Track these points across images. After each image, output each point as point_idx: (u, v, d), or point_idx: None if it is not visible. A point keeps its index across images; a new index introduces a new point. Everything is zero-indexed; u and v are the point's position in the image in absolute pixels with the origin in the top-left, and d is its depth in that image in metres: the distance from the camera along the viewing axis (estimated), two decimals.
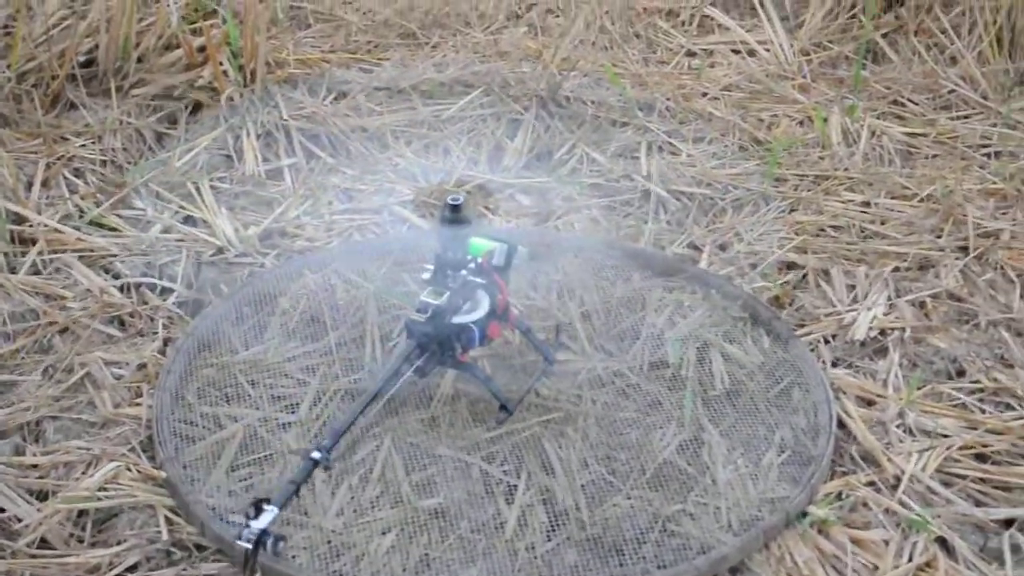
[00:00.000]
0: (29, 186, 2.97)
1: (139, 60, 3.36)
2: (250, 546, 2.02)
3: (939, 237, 2.92)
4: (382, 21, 3.62)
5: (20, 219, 2.87)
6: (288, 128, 3.18)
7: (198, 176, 3.03)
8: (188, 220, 2.92)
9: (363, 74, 3.43)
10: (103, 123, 3.17)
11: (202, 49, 3.40)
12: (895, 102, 3.44)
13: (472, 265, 2.37)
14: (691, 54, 3.62)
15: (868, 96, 3.44)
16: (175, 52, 3.40)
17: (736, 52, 3.64)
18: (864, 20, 3.66)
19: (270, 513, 2.05)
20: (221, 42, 3.40)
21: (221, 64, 3.35)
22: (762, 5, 3.76)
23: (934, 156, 3.23)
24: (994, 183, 3.10)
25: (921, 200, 3.04)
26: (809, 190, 3.07)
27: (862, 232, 2.94)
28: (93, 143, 3.12)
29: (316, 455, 2.16)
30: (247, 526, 2.02)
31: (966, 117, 3.39)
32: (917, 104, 3.43)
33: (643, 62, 3.56)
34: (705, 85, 3.46)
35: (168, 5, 3.47)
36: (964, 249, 2.88)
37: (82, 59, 3.34)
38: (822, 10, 3.70)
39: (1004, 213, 3.00)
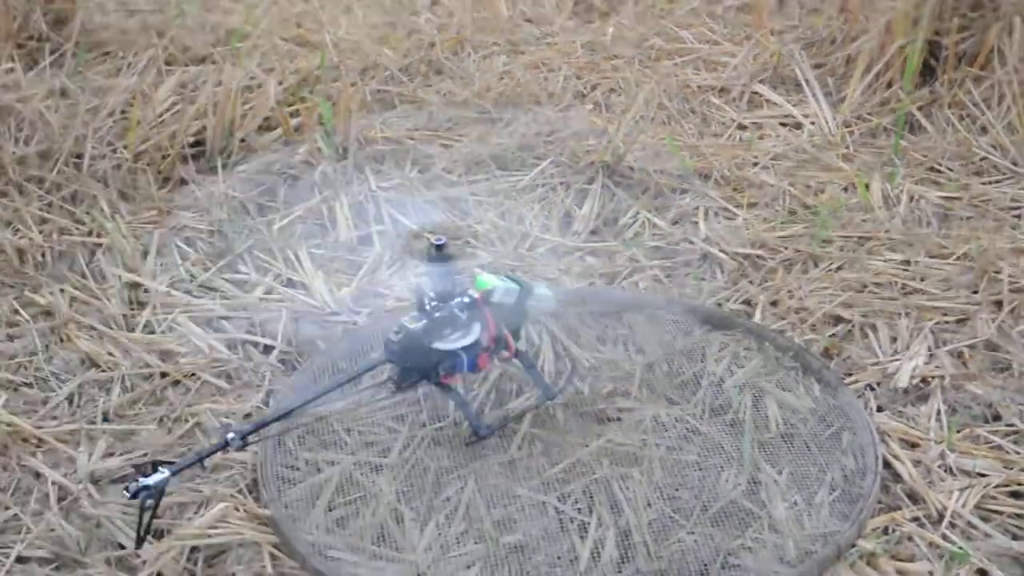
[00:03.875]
0: (144, 254, 3.00)
1: (242, 140, 3.40)
2: (129, 496, 2.04)
3: (975, 292, 2.89)
4: (461, 101, 3.64)
5: (136, 284, 2.90)
6: (377, 198, 3.20)
7: (296, 243, 3.05)
8: (288, 282, 2.93)
9: (444, 149, 3.45)
10: (210, 197, 3.20)
11: (299, 128, 3.44)
12: (932, 169, 3.42)
13: (463, 299, 2.41)
14: (742, 127, 3.62)
15: (907, 163, 3.42)
16: (274, 132, 3.44)
17: (784, 125, 3.63)
18: (901, 94, 3.65)
19: (162, 475, 2.07)
20: (316, 122, 3.43)
21: (316, 141, 3.38)
22: (807, 82, 3.75)
23: (968, 218, 3.21)
24: None
25: (957, 258, 3.02)
26: (854, 250, 3.06)
27: (903, 288, 2.91)
28: (201, 215, 3.15)
29: (230, 436, 2.19)
30: (138, 480, 2.04)
31: (997, 182, 3.36)
32: (952, 170, 3.40)
33: (699, 135, 3.56)
34: (756, 155, 3.45)
35: (268, 90, 3.52)
36: (998, 303, 2.85)
37: (191, 139, 3.39)
38: (862, 85, 3.69)
39: None
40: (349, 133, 3.41)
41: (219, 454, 2.25)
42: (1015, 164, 3.41)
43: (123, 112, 3.46)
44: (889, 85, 3.71)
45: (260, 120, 3.45)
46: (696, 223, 3.18)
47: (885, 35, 3.75)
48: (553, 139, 3.46)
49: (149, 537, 2.12)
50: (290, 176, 3.28)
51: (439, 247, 2.41)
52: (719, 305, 2.88)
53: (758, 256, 3.05)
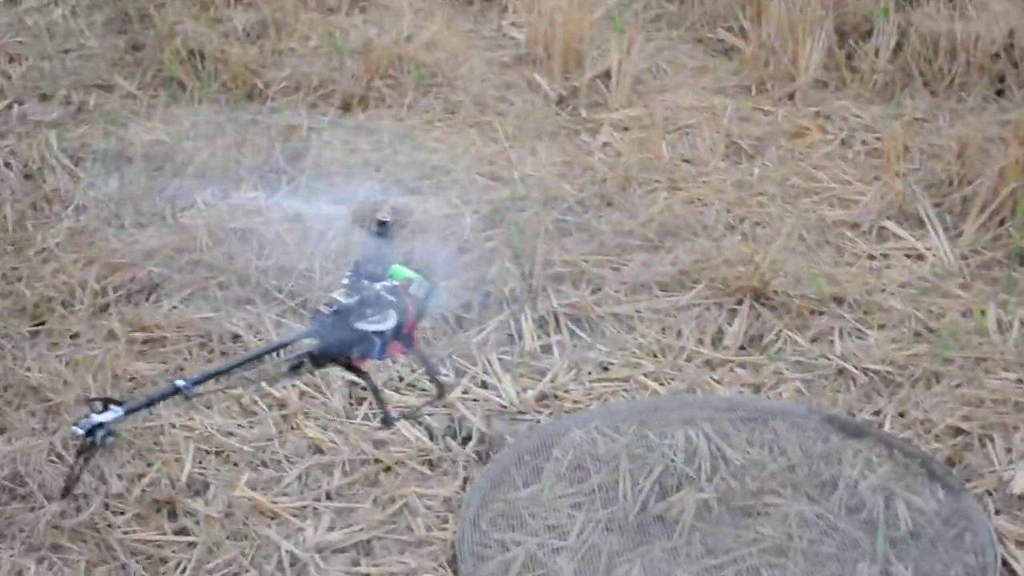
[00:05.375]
0: None
1: (444, 260, 3.41)
2: (82, 432, 1.91)
3: None
4: (627, 231, 3.64)
5: (355, 382, 2.93)
6: (556, 314, 3.21)
7: (489, 351, 3.07)
8: (482, 384, 2.95)
9: (613, 271, 3.45)
10: None
11: (491, 251, 3.46)
12: None
13: (388, 283, 2.21)
14: (872, 257, 3.56)
15: (1018, 292, 3.34)
16: (471, 254, 3.46)
17: (908, 256, 3.56)
18: (1012, 231, 3.57)
19: (114, 413, 1.94)
20: (506, 246, 3.46)
21: (505, 263, 3.40)
22: (928, 218, 3.69)
23: None
24: None
25: None
26: (972, 369, 2.99)
27: (1017, 404, 2.84)
28: None
29: (180, 383, 2.07)
30: (88, 417, 1.92)
31: None
32: None
33: (834, 264, 3.51)
34: (884, 283, 3.39)
35: (465, 218, 3.56)
36: None
37: (400, 259, 3.41)
38: (977, 223, 3.61)
39: None
40: (533, 256, 3.43)
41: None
42: None
43: (346, 234, 3.50)
44: (1002, 223, 3.63)
45: (460, 244, 3.48)
46: (832, 341, 3.13)
47: (998, 179, 3.68)
48: (707, 265, 3.44)
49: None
50: (484, 292, 3.30)
51: (382, 223, 2.21)
52: (853, 415, 2.84)
53: (887, 372, 2.99)
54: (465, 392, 2.92)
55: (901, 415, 2.84)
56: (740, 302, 3.28)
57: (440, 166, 3.95)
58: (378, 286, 2.23)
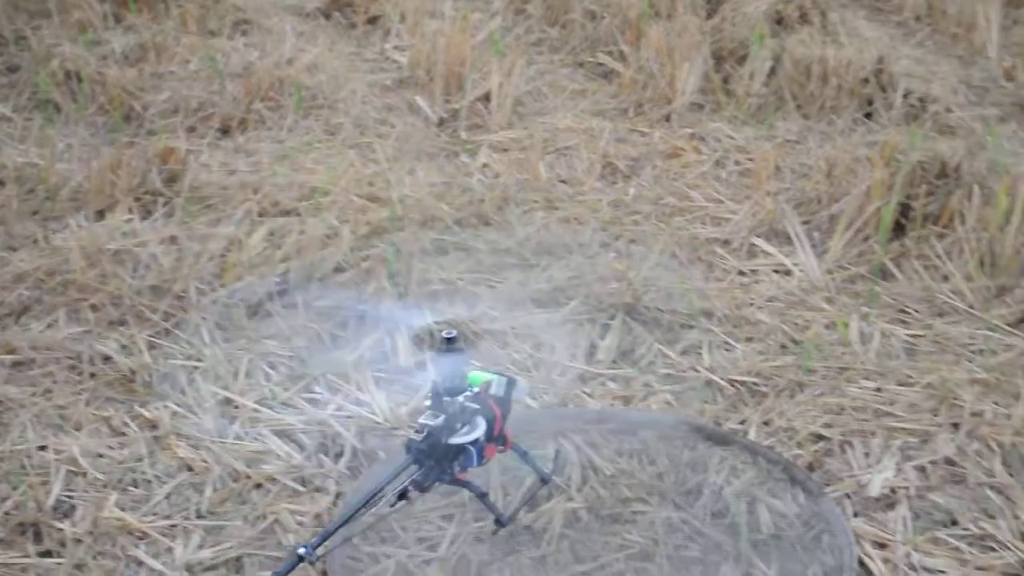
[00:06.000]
0: (236, 375, 3.04)
1: (320, 279, 3.44)
2: None
3: (936, 416, 2.90)
4: (504, 249, 3.69)
5: (228, 400, 2.94)
6: (432, 331, 3.23)
7: (363, 368, 3.08)
8: (355, 401, 2.97)
9: (489, 289, 3.49)
10: (292, 328, 3.25)
11: (368, 271, 3.49)
12: (901, 310, 3.43)
13: (469, 392, 2.25)
14: (742, 273, 3.65)
15: (880, 306, 3.44)
16: (348, 273, 3.49)
17: (777, 272, 3.65)
18: (876, 248, 3.68)
19: None
20: (382, 265, 3.48)
21: (382, 282, 3.43)
22: (796, 235, 3.79)
23: (931, 353, 3.22)
24: (979, 374, 3.08)
25: (922, 387, 3.03)
26: (834, 379, 3.07)
27: (876, 412, 2.93)
28: (284, 343, 3.18)
29: (301, 551, 2.10)
30: None
31: (956, 322, 3.37)
32: (918, 312, 3.42)
33: (704, 279, 3.59)
34: (752, 298, 3.48)
35: (343, 238, 3.59)
36: (956, 425, 2.86)
37: (277, 279, 3.43)
38: (843, 240, 3.71)
39: (987, 397, 2.98)
40: (410, 275, 3.46)
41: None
42: (971, 307, 3.42)
43: (222, 255, 3.52)
44: (866, 239, 3.74)
45: (336, 263, 3.50)
46: (701, 354, 3.20)
47: (864, 198, 3.79)
48: (581, 282, 3.49)
49: None
50: (360, 312, 3.32)
51: (450, 339, 2.25)
52: (719, 424, 2.90)
53: (753, 383, 3.06)
54: (339, 409, 2.93)
55: (766, 423, 2.90)
56: (613, 317, 3.33)
57: (319, 188, 3.96)
58: (460, 399, 2.25)
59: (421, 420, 2.23)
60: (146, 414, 2.88)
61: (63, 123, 4.56)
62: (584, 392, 3.04)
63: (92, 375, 3.03)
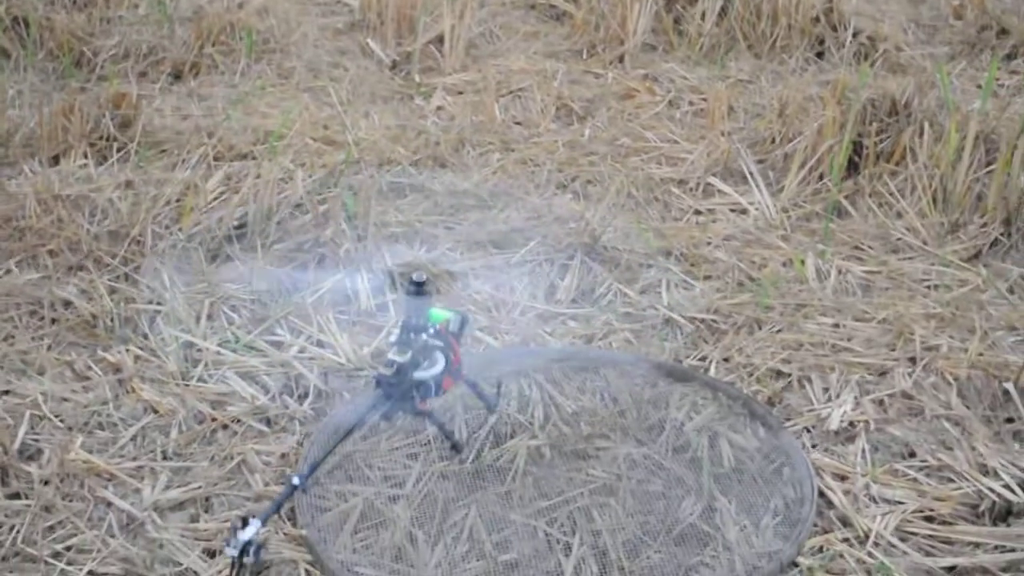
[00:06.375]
0: (197, 319, 3.03)
1: (278, 223, 3.42)
2: (236, 553, 2.03)
3: (893, 351, 2.95)
4: (461, 191, 3.69)
5: (191, 344, 2.93)
6: (392, 273, 3.22)
7: (324, 310, 3.08)
8: (318, 343, 2.97)
9: (447, 231, 3.49)
10: (252, 271, 3.23)
11: (326, 214, 3.47)
12: (856, 247, 3.47)
13: (431, 330, 2.38)
14: (698, 212, 3.67)
15: (835, 243, 3.48)
16: (306, 216, 3.46)
17: (733, 211, 3.68)
18: (830, 185, 3.71)
19: (253, 526, 2.06)
20: (340, 208, 3.47)
21: (340, 225, 3.41)
22: (751, 175, 3.81)
23: (887, 289, 3.26)
24: (934, 309, 3.13)
25: (879, 322, 3.07)
26: (792, 315, 3.11)
27: (834, 347, 2.96)
28: (244, 287, 3.17)
29: (295, 480, 2.20)
30: (235, 536, 2.04)
31: (910, 258, 3.42)
32: (873, 249, 3.46)
33: (661, 219, 3.61)
34: (709, 236, 3.50)
35: (299, 182, 3.57)
36: (912, 359, 2.91)
37: (235, 223, 3.40)
38: (797, 178, 3.75)
39: (942, 331, 3.03)
40: (368, 218, 3.45)
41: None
42: (925, 244, 3.47)
43: (178, 200, 3.49)
44: (820, 178, 3.77)
45: (293, 207, 3.48)
46: (660, 293, 3.22)
47: (817, 137, 3.82)
48: (539, 223, 3.50)
49: None
50: (319, 254, 3.31)
51: (418, 284, 2.38)
52: (679, 361, 2.93)
53: (712, 320, 3.09)
54: (302, 351, 2.93)
55: (725, 360, 2.93)
56: (571, 258, 3.34)
57: (273, 131, 3.94)
58: (424, 336, 2.38)
59: (390, 356, 2.35)
60: (109, 358, 2.87)
61: (12, 69, 4.49)
62: (545, 331, 3.05)
63: (53, 320, 3.01)
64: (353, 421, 2.39)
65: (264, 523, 2.13)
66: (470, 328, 2.49)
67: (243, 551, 2.06)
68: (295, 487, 2.21)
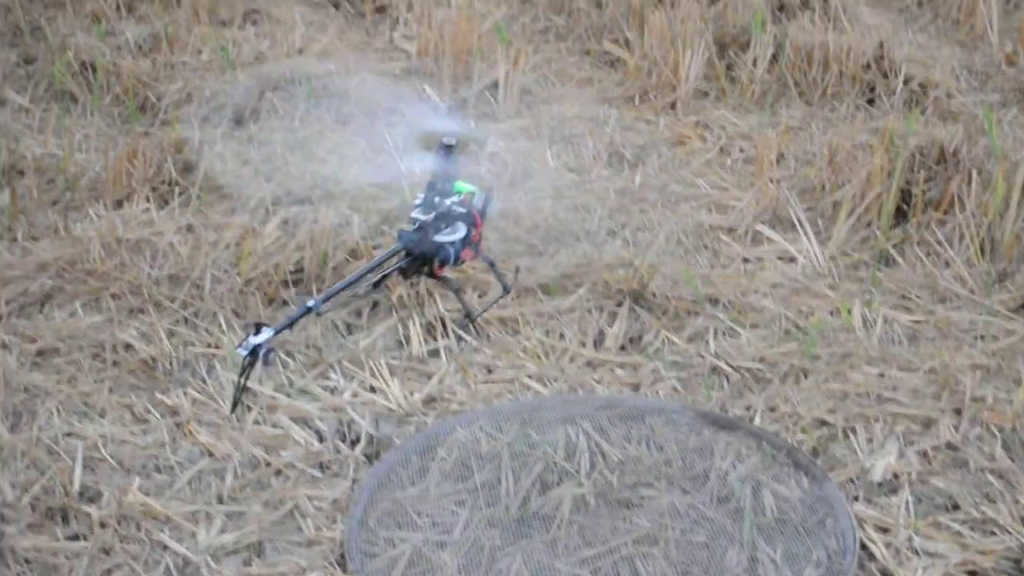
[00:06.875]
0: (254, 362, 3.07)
1: (334, 268, 3.46)
2: (246, 353, 2.08)
3: (938, 401, 2.95)
4: (513, 237, 3.71)
5: (246, 388, 2.97)
6: (444, 319, 3.26)
7: (377, 355, 3.12)
8: (370, 389, 3.01)
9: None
10: (307, 317, 3.26)
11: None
12: (903, 296, 3.47)
13: (456, 198, 2.39)
14: (746, 260, 3.68)
15: (882, 292, 3.48)
16: (360, 260, 3.49)
17: (781, 259, 3.69)
18: (878, 234, 3.72)
19: (267, 333, 2.11)
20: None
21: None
22: (800, 222, 3.82)
23: (933, 338, 3.26)
24: (980, 359, 3.12)
25: (924, 372, 3.07)
26: (838, 365, 3.11)
27: (879, 398, 2.97)
28: (300, 331, 3.21)
29: (310, 303, 2.24)
30: (247, 340, 2.09)
31: (958, 308, 3.41)
32: (920, 298, 3.46)
33: (710, 267, 3.63)
34: (757, 284, 3.51)
35: (354, 227, 3.61)
36: (958, 411, 2.91)
37: (292, 268, 3.45)
38: (846, 226, 3.75)
39: (988, 382, 3.02)
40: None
41: None
42: (972, 293, 3.46)
43: (237, 244, 3.55)
44: (868, 226, 3.78)
45: (348, 252, 3.52)
46: (707, 341, 3.24)
47: (865, 184, 3.83)
48: (589, 269, 3.52)
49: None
50: (372, 299, 3.35)
51: (448, 146, 2.39)
52: (725, 411, 2.94)
53: (758, 369, 3.11)
54: (354, 395, 2.98)
55: (771, 409, 2.95)
56: (620, 304, 3.37)
57: (330, 176, 4.00)
58: (448, 201, 2.37)
59: (413, 214, 2.35)
60: (167, 401, 2.93)
61: (79, 113, 4.60)
62: (593, 379, 3.08)
63: (115, 363, 3.08)
64: (375, 262, 2.39)
65: (276, 334, 2.15)
66: (494, 208, 2.48)
67: (254, 352, 2.09)
68: (309, 309, 2.23)
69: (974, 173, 3.74)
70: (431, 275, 2.42)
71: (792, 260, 3.68)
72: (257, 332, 2.13)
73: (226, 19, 5.51)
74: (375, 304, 3.34)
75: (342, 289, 2.37)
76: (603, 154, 4.38)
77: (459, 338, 3.22)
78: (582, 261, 3.59)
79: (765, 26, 5.14)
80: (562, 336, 3.26)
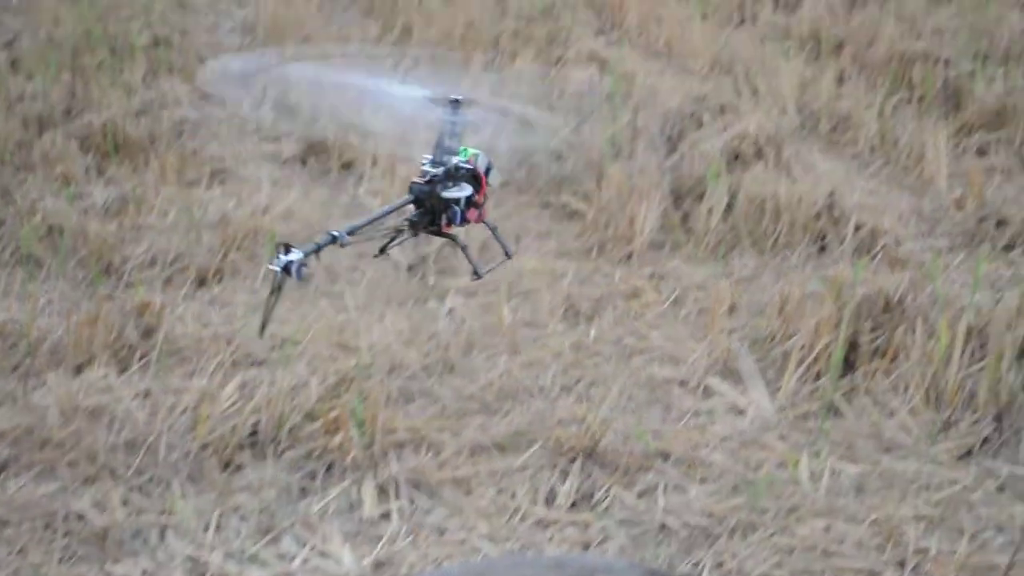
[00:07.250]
0: (206, 529, 3.09)
1: (289, 431, 3.49)
2: (279, 269, 2.09)
3: (882, 554, 2.97)
4: (467, 395, 3.75)
5: (194, 558, 2.99)
6: (397, 480, 3.28)
7: (329, 519, 3.14)
8: (321, 554, 3.01)
9: (452, 436, 3.54)
10: (261, 480, 3.30)
11: (336, 420, 3.54)
12: (849, 447, 3.50)
13: (461, 157, 2.44)
14: (697, 414, 3.72)
15: (830, 443, 3.52)
16: (316, 422, 3.53)
17: (731, 411, 3.72)
18: (827, 384, 3.76)
19: (296, 252, 2.12)
20: (350, 414, 3.54)
21: (349, 431, 3.48)
22: (750, 375, 3.87)
23: (879, 489, 3.29)
24: (925, 510, 3.15)
25: (870, 524, 3.09)
26: (785, 519, 3.14)
27: (824, 552, 2.99)
28: (254, 495, 3.24)
29: (335, 233, 2.23)
30: (278, 257, 2.10)
31: (904, 457, 3.45)
32: (866, 448, 3.49)
33: (661, 421, 3.66)
34: (708, 438, 3.54)
35: (311, 389, 3.65)
36: (901, 563, 2.93)
37: (248, 431, 3.48)
38: (795, 376, 3.80)
39: (932, 533, 3.05)
40: (376, 424, 3.52)
41: None
42: (917, 442, 3.50)
43: (195, 408, 3.57)
44: (817, 377, 3.83)
45: (304, 414, 3.55)
46: (656, 497, 3.26)
47: (814, 335, 3.89)
48: (542, 426, 3.56)
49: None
50: (327, 461, 3.37)
51: (456, 102, 2.45)
52: (673, 567, 2.96)
53: (706, 525, 3.13)
54: (305, 561, 2.99)
55: (719, 565, 2.97)
56: (573, 461, 3.40)
57: (289, 337, 4.04)
58: (454, 159, 2.44)
59: (424, 168, 2.42)
60: (117, 572, 2.93)
61: (44, 277, 4.65)
62: (544, 538, 3.09)
63: (66, 533, 3.08)
64: (390, 207, 2.43)
65: (307, 256, 2.16)
66: (494, 175, 2.53)
67: (287, 268, 2.11)
68: (334, 238, 2.25)
69: (919, 321, 3.81)
70: (439, 233, 2.48)
71: (742, 412, 3.72)
72: (287, 251, 2.18)
73: (193, 179, 5.60)
74: (330, 465, 3.37)
75: (366, 224, 2.42)
76: (559, 308, 4.44)
77: (412, 499, 3.24)
78: (535, 418, 3.63)
79: (720, 176, 5.25)
80: (514, 495, 3.28)
